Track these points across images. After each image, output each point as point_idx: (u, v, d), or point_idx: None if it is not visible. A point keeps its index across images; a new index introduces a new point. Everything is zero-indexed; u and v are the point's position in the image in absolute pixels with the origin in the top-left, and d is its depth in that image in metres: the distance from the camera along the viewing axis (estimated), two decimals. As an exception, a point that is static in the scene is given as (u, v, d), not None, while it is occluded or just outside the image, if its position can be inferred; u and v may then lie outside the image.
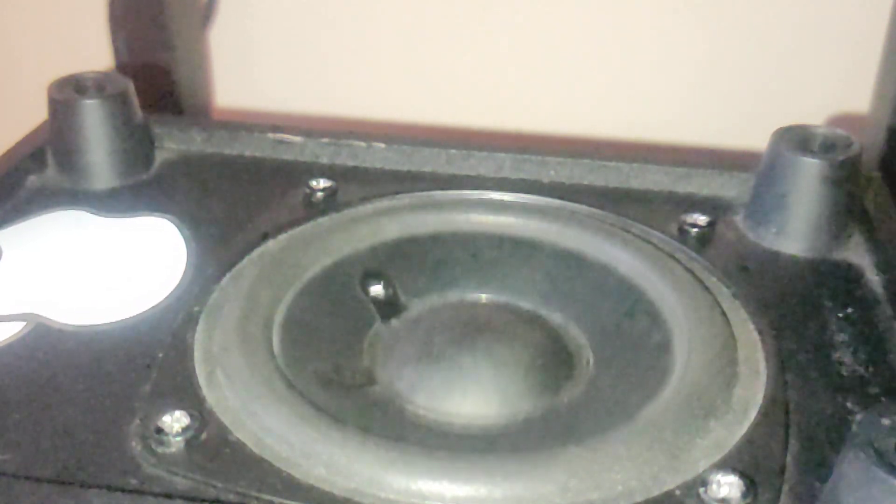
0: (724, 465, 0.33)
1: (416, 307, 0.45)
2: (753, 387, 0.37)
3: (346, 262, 0.44)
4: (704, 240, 0.46)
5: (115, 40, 0.66)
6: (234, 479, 0.32)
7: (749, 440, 0.34)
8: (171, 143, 0.55)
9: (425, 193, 0.49)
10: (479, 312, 0.44)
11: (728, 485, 0.32)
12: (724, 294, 0.42)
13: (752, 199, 0.48)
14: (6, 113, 0.73)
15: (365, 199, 0.49)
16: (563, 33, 0.67)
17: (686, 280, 0.42)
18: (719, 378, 0.36)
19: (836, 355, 0.39)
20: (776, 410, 0.36)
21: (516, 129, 0.70)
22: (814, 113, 0.65)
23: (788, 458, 0.34)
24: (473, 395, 0.39)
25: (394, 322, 0.44)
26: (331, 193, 0.49)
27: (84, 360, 0.38)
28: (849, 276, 0.44)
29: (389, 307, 0.44)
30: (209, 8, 0.70)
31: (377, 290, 0.44)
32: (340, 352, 0.41)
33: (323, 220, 0.47)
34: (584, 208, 0.48)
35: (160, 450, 0.33)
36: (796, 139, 0.46)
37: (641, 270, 0.42)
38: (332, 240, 0.44)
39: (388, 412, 0.38)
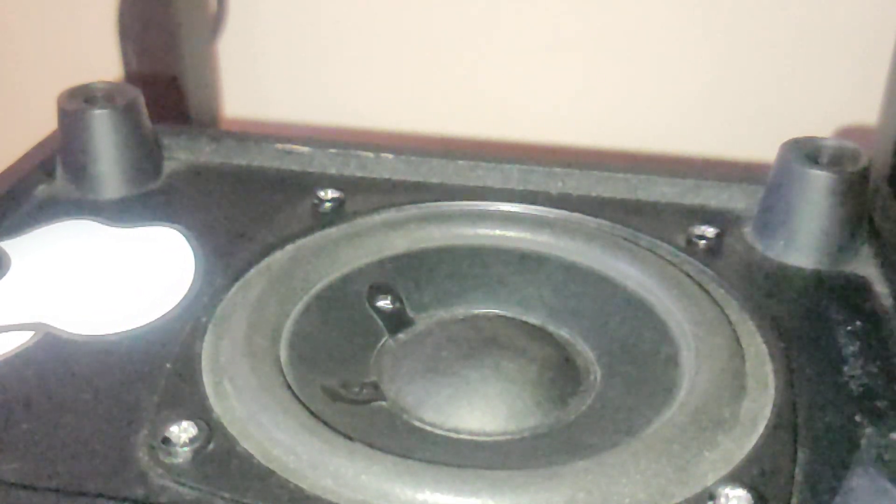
0: (733, 478, 0.33)
1: (424, 321, 0.45)
2: (762, 400, 0.37)
3: (354, 276, 0.44)
4: (712, 252, 0.46)
5: (124, 51, 0.66)
6: (241, 489, 0.32)
7: (757, 453, 0.34)
8: (180, 154, 0.55)
9: (433, 205, 0.49)
10: (486, 327, 0.44)
11: (736, 498, 0.32)
12: (732, 306, 0.42)
13: (760, 212, 0.48)
14: (15, 122, 0.73)
15: (373, 210, 0.49)
16: (571, 45, 0.67)
17: (694, 293, 0.42)
18: (727, 391, 0.36)
19: (844, 368, 0.39)
20: (785, 424, 0.35)
21: (524, 140, 0.70)
22: (822, 125, 0.65)
23: (797, 472, 0.34)
24: (480, 411, 0.39)
25: (401, 336, 0.44)
26: (339, 204, 0.49)
27: (92, 370, 0.38)
28: (857, 289, 0.44)
29: (397, 321, 0.44)
30: (218, 18, 0.70)
31: (385, 303, 0.44)
32: (348, 366, 0.41)
33: (331, 231, 0.47)
34: (591, 220, 0.48)
35: (167, 460, 0.33)
36: (804, 151, 0.46)
37: (649, 284, 0.42)
38: (339, 253, 0.44)
39: (395, 427, 0.38)
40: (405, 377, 0.41)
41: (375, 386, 0.41)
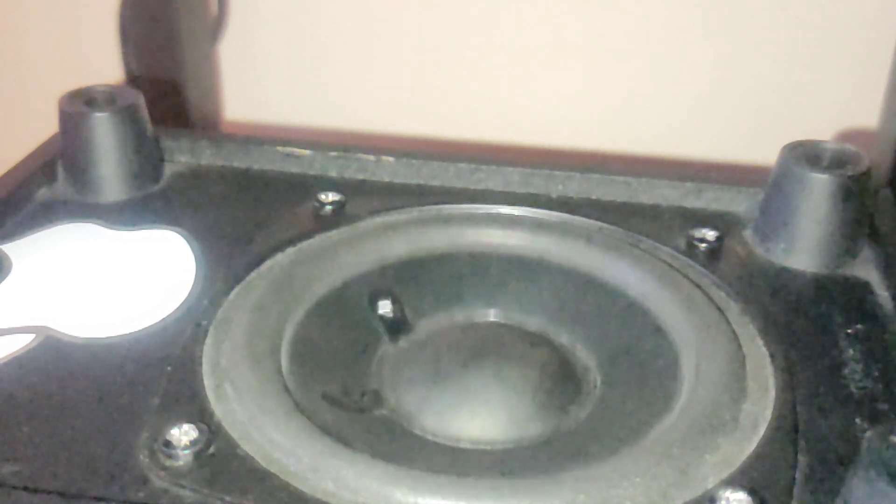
0: (733, 481, 0.33)
1: (424, 327, 0.45)
2: (762, 403, 0.37)
3: (355, 281, 0.44)
4: (713, 255, 0.46)
5: (125, 54, 0.66)
6: (241, 492, 0.32)
7: (758, 457, 0.34)
8: (181, 157, 0.55)
9: (434, 208, 0.49)
10: (486, 333, 0.44)
11: (737, 501, 0.32)
12: (732, 310, 0.42)
13: (761, 215, 0.48)
14: (17, 125, 0.73)
15: (373, 213, 0.49)
16: (572, 48, 0.67)
17: (694, 296, 0.42)
18: (728, 394, 0.36)
19: (845, 371, 0.39)
20: (785, 427, 0.36)
21: (524, 142, 0.70)
22: (823, 128, 0.65)
23: (797, 475, 0.34)
24: (481, 417, 0.39)
25: (402, 342, 0.44)
26: (339, 207, 0.49)
27: (93, 373, 0.38)
28: (858, 292, 0.44)
29: (397, 326, 0.44)
30: (219, 21, 0.70)
31: (385, 308, 0.44)
32: (348, 372, 0.41)
33: (331, 234, 0.47)
34: (592, 223, 0.48)
35: (168, 463, 0.33)
36: (805, 154, 0.46)
37: (649, 289, 0.42)
38: (340, 256, 0.44)
39: (395, 434, 0.38)
40: (406, 385, 0.41)
41: (376, 394, 0.41)
